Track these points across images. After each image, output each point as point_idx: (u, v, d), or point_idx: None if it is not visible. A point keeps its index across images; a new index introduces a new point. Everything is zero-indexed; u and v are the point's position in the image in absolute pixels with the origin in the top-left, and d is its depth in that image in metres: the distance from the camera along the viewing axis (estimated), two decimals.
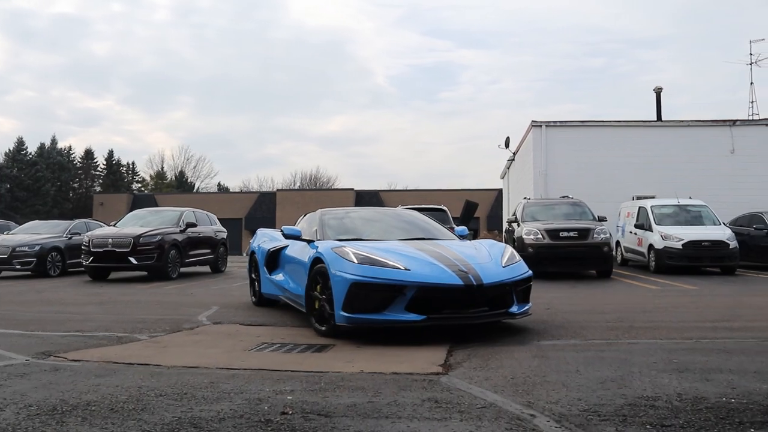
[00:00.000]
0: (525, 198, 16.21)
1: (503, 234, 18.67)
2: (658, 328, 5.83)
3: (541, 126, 20.35)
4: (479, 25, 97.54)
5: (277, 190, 55.22)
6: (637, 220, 15.85)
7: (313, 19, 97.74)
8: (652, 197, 18.30)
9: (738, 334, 5.56)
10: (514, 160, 25.96)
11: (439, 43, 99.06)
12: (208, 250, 15.38)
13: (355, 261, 5.32)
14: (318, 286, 5.66)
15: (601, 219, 13.96)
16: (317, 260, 5.72)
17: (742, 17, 79.13)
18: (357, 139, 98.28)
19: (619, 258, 16.93)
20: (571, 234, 12.89)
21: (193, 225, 14.62)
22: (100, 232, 13.89)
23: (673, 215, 15.24)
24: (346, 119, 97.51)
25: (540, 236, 12.89)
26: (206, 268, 15.70)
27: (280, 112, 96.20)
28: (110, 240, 13.01)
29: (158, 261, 12.99)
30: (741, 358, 4.37)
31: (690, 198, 16.30)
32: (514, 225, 14.55)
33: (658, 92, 22.13)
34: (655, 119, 21.20)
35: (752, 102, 24.74)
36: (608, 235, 13.04)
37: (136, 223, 14.47)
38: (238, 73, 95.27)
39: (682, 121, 20.60)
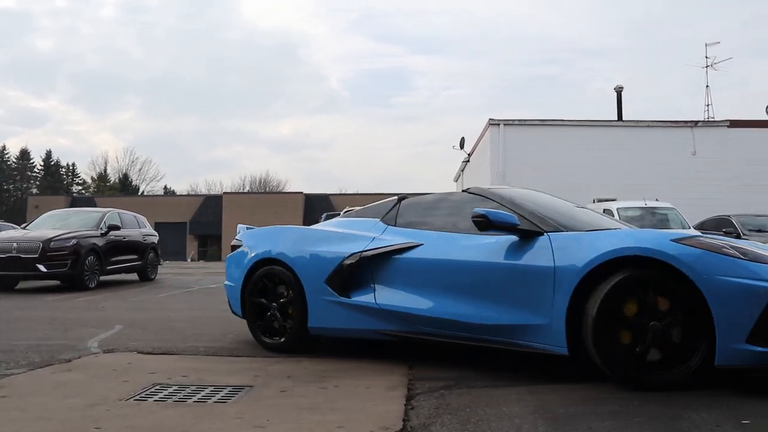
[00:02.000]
0: None
1: None
2: None
3: (498, 124, 19.40)
4: (433, 31, 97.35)
5: (224, 193, 53.14)
6: None
7: (265, 22, 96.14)
8: (613, 200, 17.53)
9: None
10: (469, 161, 25.01)
11: (393, 48, 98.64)
12: (135, 256, 13.70)
13: (746, 258, 3.47)
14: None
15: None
16: (632, 260, 3.57)
17: (696, 24, 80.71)
18: (309, 143, 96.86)
19: None
20: None
21: (117, 228, 12.96)
22: (5, 235, 12.13)
23: (639, 218, 14.34)
24: (298, 123, 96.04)
25: None
26: (135, 276, 14.10)
27: (231, 115, 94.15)
28: (15, 245, 11.26)
29: (72, 269, 11.26)
30: None
31: (657, 200, 15.51)
32: None
33: (618, 91, 21.45)
34: (616, 119, 20.44)
35: (708, 105, 24.17)
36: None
37: (51, 226, 12.76)
38: (188, 74, 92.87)
39: (643, 121, 19.97)
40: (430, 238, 4.58)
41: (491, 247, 4.22)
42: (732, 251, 3.51)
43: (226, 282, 5.65)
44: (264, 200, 47.80)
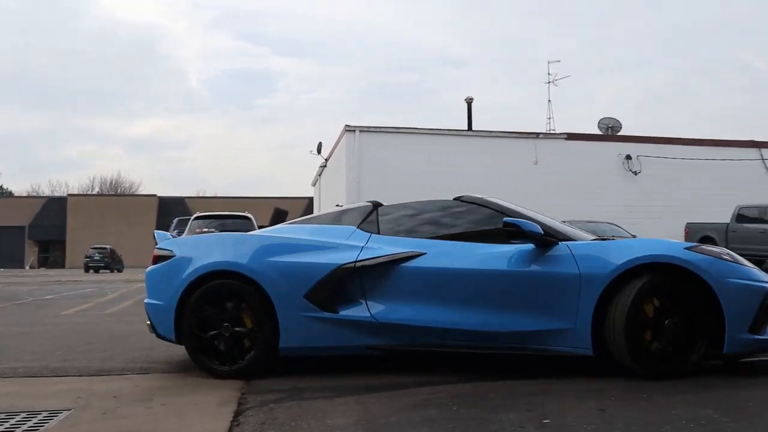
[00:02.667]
0: (337, 205, 15.28)
1: None
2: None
3: (354, 131, 19.67)
4: (297, 33, 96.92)
5: (69, 195, 49.67)
6: None
7: (122, 13, 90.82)
8: None
9: None
10: (326, 166, 25.15)
11: (256, 48, 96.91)
12: None
13: (739, 263, 4.24)
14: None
15: None
16: (654, 267, 4.05)
17: (540, 42, 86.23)
18: (168, 143, 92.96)
19: None
20: None
21: None
22: None
23: None
24: (156, 122, 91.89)
25: None
26: None
27: (83, 111, 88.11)
28: None
29: None
30: None
31: (338, 205, 16.54)
32: None
33: (469, 102, 22.50)
34: (466, 129, 21.43)
35: (549, 118, 25.98)
36: None
37: None
38: (35, 66, 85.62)
39: (491, 131, 21.07)
40: (432, 246, 4.46)
41: (513, 255, 4.31)
42: (728, 257, 4.25)
43: (150, 300, 4.73)
44: (114, 203, 45.39)
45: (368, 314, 4.32)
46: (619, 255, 4.14)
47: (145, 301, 4.82)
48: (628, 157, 21.89)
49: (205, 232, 12.97)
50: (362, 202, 5.09)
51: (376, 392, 3.85)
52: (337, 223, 4.86)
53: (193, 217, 13.97)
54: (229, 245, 4.69)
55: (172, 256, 4.67)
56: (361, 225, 4.71)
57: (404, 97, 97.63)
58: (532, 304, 4.22)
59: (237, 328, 4.37)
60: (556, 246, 4.28)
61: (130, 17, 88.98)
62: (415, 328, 4.30)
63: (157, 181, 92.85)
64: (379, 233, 4.63)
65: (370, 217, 4.76)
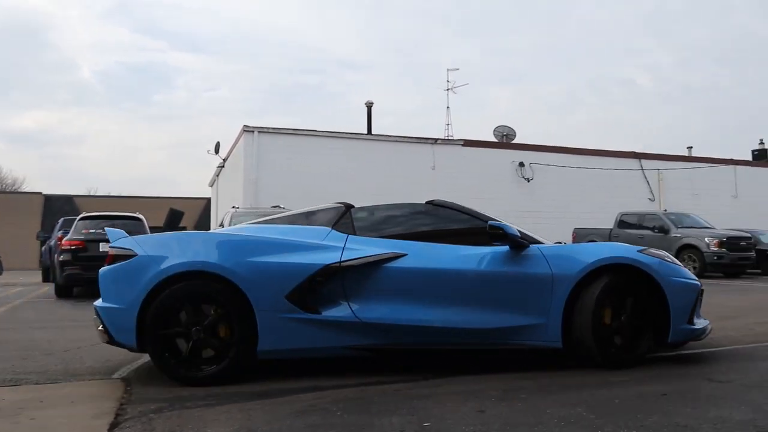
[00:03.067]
0: (233, 207, 14.99)
1: None
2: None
3: (253, 131, 19.35)
4: (196, 29, 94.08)
5: None
6: None
7: None
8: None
9: None
10: (224, 167, 24.61)
11: (153, 42, 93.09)
12: None
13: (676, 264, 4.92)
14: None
15: None
16: (614, 268, 4.53)
17: (440, 50, 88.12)
18: (56, 139, 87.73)
19: None
20: None
21: None
22: None
23: None
24: (42, 115, 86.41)
25: None
26: None
27: None
28: None
29: None
30: None
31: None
32: None
33: (369, 106, 22.66)
34: (366, 132, 21.57)
35: (448, 124, 26.62)
36: None
37: None
38: None
39: (391, 136, 21.29)
40: (412, 247, 4.53)
41: (491, 256, 4.57)
42: (669, 259, 4.87)
43: (104, 304, 4.39)
44: None
45: (351, 314, 4.32)
46: (586, 256, 4.57)
47: (96, 304, 4.46)
48: (522, 165, 22.77)
49: (92, 234, 12.35)
50: (332, 204, 5.03)
51: (261, 399, 3.79)
52: (309, 223, 4.80)
53: (78, 218, 13.21)
54: (199, 244, 4.47)
55: (133, 255, 4.36)
56: (336, 226, 4.70)
57: (306, 99, 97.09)
58: (510, 301, 4.48)
59: (210, 332, 4.21)
60: (529, 248, 4.59)
61: (12, 1, 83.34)
62: (399, 327, 4.36)
63: (44, 178, 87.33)
64: (355, 234, 4.65)
65: (344, 219, 4.76)
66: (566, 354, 4.57)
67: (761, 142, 29.78)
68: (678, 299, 4.61)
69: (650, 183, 24.73)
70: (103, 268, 4.51)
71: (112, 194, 53.46)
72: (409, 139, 21.46)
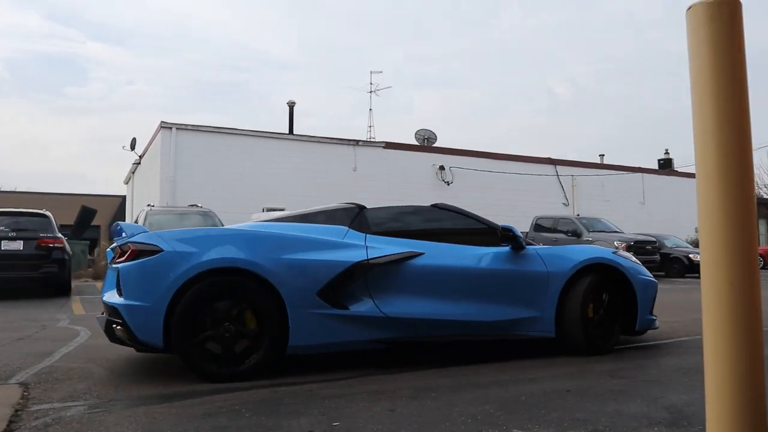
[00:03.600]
0: (149, 205, 14.52)
1: None
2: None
3: (171, 128, 18.82)
4: (115, 19, 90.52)
5: None
6: None
7: None
8: (282, 209, 18.30)
9: None
10: (140, 163, 23.80)
11: (67, 31, 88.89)
12: None
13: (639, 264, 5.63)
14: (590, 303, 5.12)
15: None
16: (596, 267, 5.18)
17: (365, 53, 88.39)
18: None
19: None
20: None
21: None
22: None
23: None
24: None
25: None
26: None
27: None
28: None
29: None
30: None
31: (283, 209, 16.63)
32: None
33: (291, 106, 22.45)
34: (288, 132, 21.36)
35: (371, 126, 26.74)
36: None
37: None
38: None
39: (312, 136, 21.17)
40: (427, 247, 4.82)
41: (495, 256, 5.02)
42: (634, 260, 5.61)
43: (127, 301, 4.16)
44: None
45: (377, 309, 4.53)
46: (574, 256, 5.17)
47: (114, 301, 4.24)
48: (442, 168, 23.13)
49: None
50: (344, 204, 5.21)
51: (168, 402, 3.67)
52: (325, 222, 4.89)
53: None
54: (228, 240, 4.40)
55: (159, 251, 4.20)
56: (352, 225, 4.86)
57: (229, 97, 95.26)
58: (513, 296, 4.95)
59: (240, 328, 4.20)
60: (527, 248, 5.11)
61: None
62: (418, 321, 4.65)
63: None
64: (371, 233, 4.83)
65: (359, 218, 4.93)
66: (557, 343, 5.07)
67: (666, 152, 31.38)
68: (643, 294, 5.34)
69: (565, 188, 25.64)
70: (124, 264, 4.28)
71: (19, 190, 50.78)
72: (331, 140, 21.41)
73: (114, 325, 4.27)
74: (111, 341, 4.49)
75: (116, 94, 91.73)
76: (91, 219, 20.50)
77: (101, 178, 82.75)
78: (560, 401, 3.59)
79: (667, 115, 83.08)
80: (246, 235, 4.49)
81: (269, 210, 18.31)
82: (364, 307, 4.52)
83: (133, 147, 22.39)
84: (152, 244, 4.25)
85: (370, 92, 27.01)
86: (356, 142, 21.87)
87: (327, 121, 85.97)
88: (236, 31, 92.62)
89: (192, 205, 14.68)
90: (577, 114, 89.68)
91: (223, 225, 13.16)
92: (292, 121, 21.88)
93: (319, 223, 4.90)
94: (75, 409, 3.51)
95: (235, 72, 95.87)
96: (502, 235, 5.05)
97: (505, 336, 4.96)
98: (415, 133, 25.40)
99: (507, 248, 5.06)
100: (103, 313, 4.73)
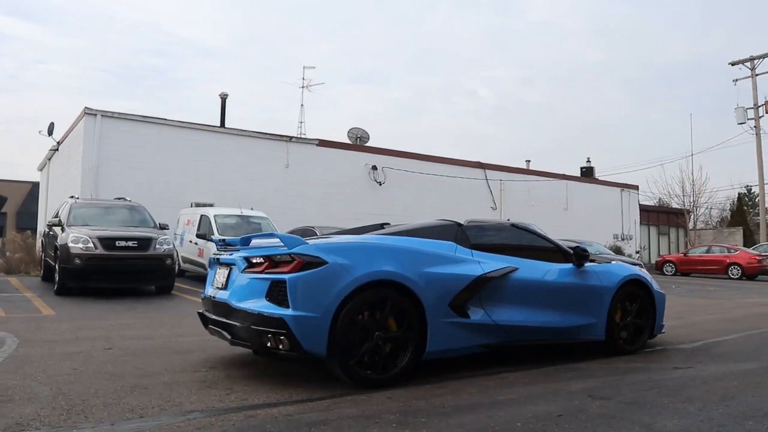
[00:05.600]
0: (73, 197, 13.63)
1: (41, 239, 15.50)
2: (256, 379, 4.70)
3: (95, 115, 17.77)
4: None
5: None
6: (198, 229, 14.84)
7: None
8: (211, 205, 17.68)
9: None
10: (58, 150, 22.44)
11: None
12: None
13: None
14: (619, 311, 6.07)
15: (163, 227, 12.53)
16: (632, 282, 6.21)
17: (298, 46, 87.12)
18: None
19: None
20: (130, 244, 11.04)
21: None
22: None
23: (236, 226, 14.71)
24: None
25: (91, 245, 10.72)
26: None
27: None
28: None
29: None
30: None
31: (252, 209, 16.11)
32: (57, 229, 11.98)
33: (223, 98, 21.67)
34: (219, 125, 20.63)
35: (301, 122, 26.32)
36: (171, 246, 11.66)
37: None
38: None
39: (245, 131, 20.51)
40: (519, 262, 5.40)
41: (568, 272, 5.76)
42: (650, 275, 6.57)
43: (296, 312, 4.21)
44: None
45: (488, 318, 5.02)
46: (618, 273, 6.11)
47: (281, 313, 4.23)
48: (375, 168, 22.96)
49: None
50: (444, 220, 5.57)
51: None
52: (432, 237, 5.16)
53: None
54: (379, 253, 4.67)
55: (323, 263, 4.36)
56: (457, 241, 5.24)
57: (152, 83, 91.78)
58: (581, 306, 5.72)
59: (390, 336, 4.47)
60: (586, 266, 5.89)
61: None
62: (515, 328, 5.20)
63: None
64: (472, 248, 5.25)
65: (461, 235, 5.32)
66: (605, 345, 5.91)
67: (588, 160, 32.47)
68: (659, 303, 6.42)
69: (493, 192, 26.03)
70: (292, 275, 4.32)
71: None
72: (264, 135, 20.82)
73: (272, 335, 4.25)
74: (258, 353, 4.75)
75: (28, 72, 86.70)
76: (1, 206, 19.12)
77: (8, 161, 77.89)
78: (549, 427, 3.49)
79: (587, 125, 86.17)
80: (393, 249, 4.79)
81: (197, 205, 17.64)
82: (479, 315, 4.98)
83: (50, 132, 21.01)
84: (317, 256, 4.39)
85: (303, 87, 26.62)
86: (289, 138, 21.36)
87: (255, 114, 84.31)
88: (166, 15, 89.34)
89: (119, 198, 13.90)
90: (500, 117, 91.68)
91: (154, 221, 12.53)
92: (224, 113, 21.12)
93: (430, 237, 5.17)
94: None
95: (159, 58, 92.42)
96: (580, 254, 5.84)
97: (572, 340, 5.69)
98: (348, 132, 25.16)
99: (570, 265, 5.81)
100: (218, 321, 4.83)
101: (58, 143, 21.90)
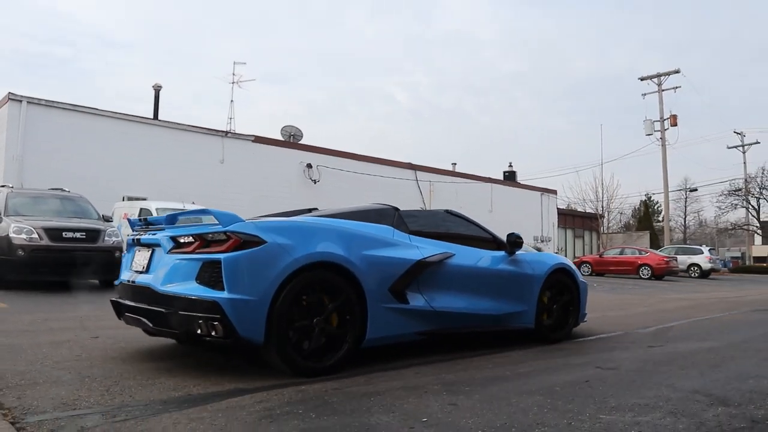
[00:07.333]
0: (7, 186, 12.93)
1: None
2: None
3: (21, 101, 16.91)
4: None
5: None
6: None
7: None
8: (144, 199, 17.17)
9: None
10: None
11: None
12: None
13: None
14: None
15: (107, 219, 12.14)
16: (560, 270, 6.24)
17: (228, 41, 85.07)
18: None
19: None
20: (78, 235, 10.64)
21: None
22: None
23: None
24: None
25: (36, 236, 10.24)
26: None
27: None
28: None
29: None
30: None
31: (193, 203, 15.82)
32: None
33: (157, 90, 21.10)
34: (153, 117, 20.06)
35: (231, 118, 25.92)
36: (120, 238, 11.31)
37: None
38: None
39: (181, 124, 20.07)
40: (454, 249, 5.26)
41: (501, 259, 5.72)
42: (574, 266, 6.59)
43: (231, 295, 3.82)
44: None
45: (427, 304, 4.86)
46: (547, 262, 6.17)
47: (217, 296, 3.84)
48: (309, 166, 22.97)
49: None
50: (379, 204, 5.33)
51: (197, 405, 3.41)
52: (369, 221, 4.91)
53: None
54: (320, 234, 4.35)
55: (262, 243, 4.01)
56: (395, 225, 5.03)
57: (52, 71, 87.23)
58: (513, 293, 5.69)
59: (329, 323, 4.22)
60: (517, 254, 5.85)
61: None
62: (452, 314, 5.07)
63: None
64: (410, 233, 5.09)
65: (397, 219, 5.11)
66: (533, 333, 5.91)
67: (510, 165, 33.69)
68: (583, 293, 6.49)
69: (423, 193, 26.57)
70: (229, 254, 3.94)
71: None
72: (199, 130, 20.44)
73: (203, 321, 3.86)
74: (183, 341, 4.56)
75: None
76: None
77: None
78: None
79: (505, 132, 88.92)
80: (333, 230, 4.48)
81: (130, 199, 17.10)
82: (418, 301, 4.81)
83: None
84: (255, 235, 4.02)
85: (232, 83, 26.22)
86: (225, 134, 21.06)
87: (187, 108, 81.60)
88: (66, 2, 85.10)
89: (56, 189, 13.30)
90: (417, 121, 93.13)
91: (97, 212, 12.09)
92: (157, 106, 20.57)
93: (366, 221, 4.92)
94: (89, 418, 3.10)
95: (62, 46, 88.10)
96: (514, 242, 5.80)
97: (505, 327, 5.66)
98: (281, 129, 25.03)
99: (502, 253, 5.78)
100: (133, 308, 4.42)
101: None
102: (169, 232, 4.38)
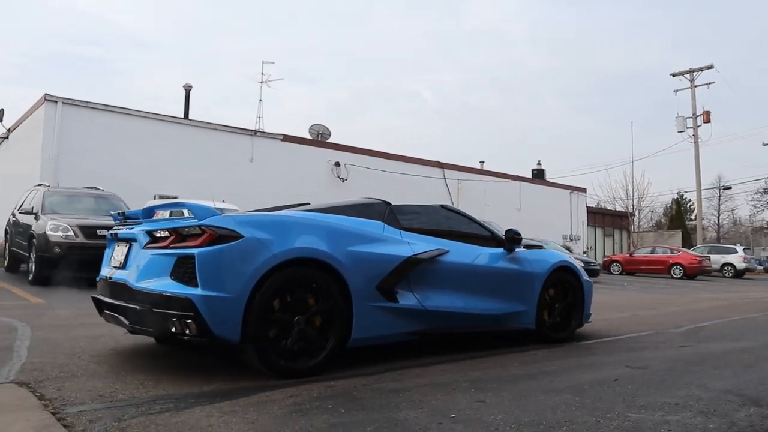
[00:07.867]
0: (43, 185, 13.24)
1: (5, 227, 14.91)
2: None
3: (56, 102, 17.25)
4: None
5: None
6: None
7: None
8: (175, 197, 17.40)
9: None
10: (8, 138, 21.63)
11: None
12: None
13: None
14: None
15: None
16: (562, 269, 5.91)
17: (256, 41, 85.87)
18: None
19: None
20: None
21: None
22: None
23: None
24: None
25: (72, 233, 10.48)
26: None
27: None
28: None
29: None
30: None
31: (224, 201, 15.99)
32: (28, 218, 11.63)
33: (187, 90, 21.38)
34: (183, 117, 20.32)
35: (260, 117, 26.18)
36: None
37: None
38: None
39: (211, 123, 20.28)
40: (449, 245, 5.01)
41: (499, 257, 5.43)
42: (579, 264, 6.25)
43: (205, 292, 3.67)
44: None
45: (418, 303, 4.62)
46: (548, 259, 5.83)
47: (190, 293, 3.70)
48: (337, 164, 23.07)
49: None
50: (370, 199, 5.14)
51: (232, 398, 3.47)
52: (359, 216, 4.72)
53: None
54: (301, 228, 4.15)
55: (238, 237, 3.84)
56: (385, 221, 4.81)
57: (88, 73, 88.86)
58: (512, 292, 5.41)
59: (311, 322, 4.04)
60: (516, 251, 5.56)
61: None
62: (445, 314, 4.82)
63: None
64: (402, 229, 4.86)
65: (388, 214, 4.89)
66: (534, 334, 5.61)
67: (539, 163, 33.43)
68: (587, 292, 6.14)
69: (451, 191, 26.51)
70: (202, 249, 3.78)
71: None
72: (229, 129, 20.65)
73: (177, 319, 3.74)
74: (160, 340, 4.42)
75: None
76: None
77: None
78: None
79: (532, 130, 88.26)
80: (316, 225, 4.27)
81: (161, 198, 17.35)
82: (408, 300, 4.58)
83: (0, 119, 20.27)
84: (231, 229, 3.86)
85: (261, 83, 26.40)
86: (254, 133, 21.25)
87: (207, 107, 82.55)
88: (100, 4, 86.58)
89: (91, 188, 13.58)
90: (443, 119, 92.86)
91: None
92: (188, 105, 20.83)
93: (356, 216, 4.72)
94: (127, 410, 3.18)
95: (94, 47, 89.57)
96: (513, 238, 5.49)
97: (504, 328, 5.40)
98: (310, 128, 25.16)
99: (502, 250, 5.51)
100: (110, 305, 4.32)
101: (9, 131, 21.12)
102: (145, 227, 4.25)
